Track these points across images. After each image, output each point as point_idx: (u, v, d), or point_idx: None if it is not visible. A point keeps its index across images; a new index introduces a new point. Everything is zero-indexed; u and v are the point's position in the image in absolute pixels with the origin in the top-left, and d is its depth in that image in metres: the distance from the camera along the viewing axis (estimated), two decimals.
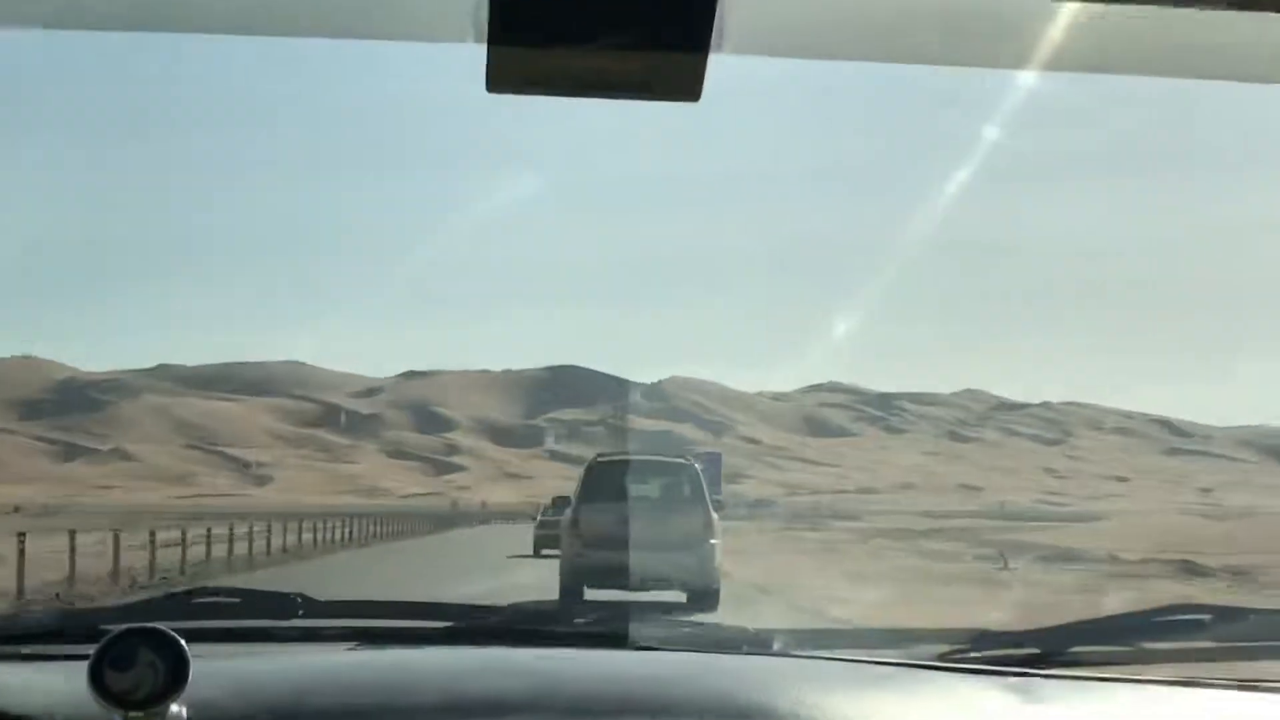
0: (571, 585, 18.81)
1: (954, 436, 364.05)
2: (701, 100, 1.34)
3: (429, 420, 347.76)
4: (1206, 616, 2.36)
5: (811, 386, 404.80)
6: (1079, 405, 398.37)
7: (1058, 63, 1.39)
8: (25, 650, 2.16)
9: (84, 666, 1.57)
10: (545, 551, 35.26)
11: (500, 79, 1.32)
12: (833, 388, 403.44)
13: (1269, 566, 30.93)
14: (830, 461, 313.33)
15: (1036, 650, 2.22)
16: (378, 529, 56.72)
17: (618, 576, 17.78)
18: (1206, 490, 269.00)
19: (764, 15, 1.37)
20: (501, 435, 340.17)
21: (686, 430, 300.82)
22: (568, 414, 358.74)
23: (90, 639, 1.67)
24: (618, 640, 2.25)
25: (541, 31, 1.29)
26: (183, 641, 1.58)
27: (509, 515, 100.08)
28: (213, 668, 1.82)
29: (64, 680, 1.69)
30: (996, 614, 17.15)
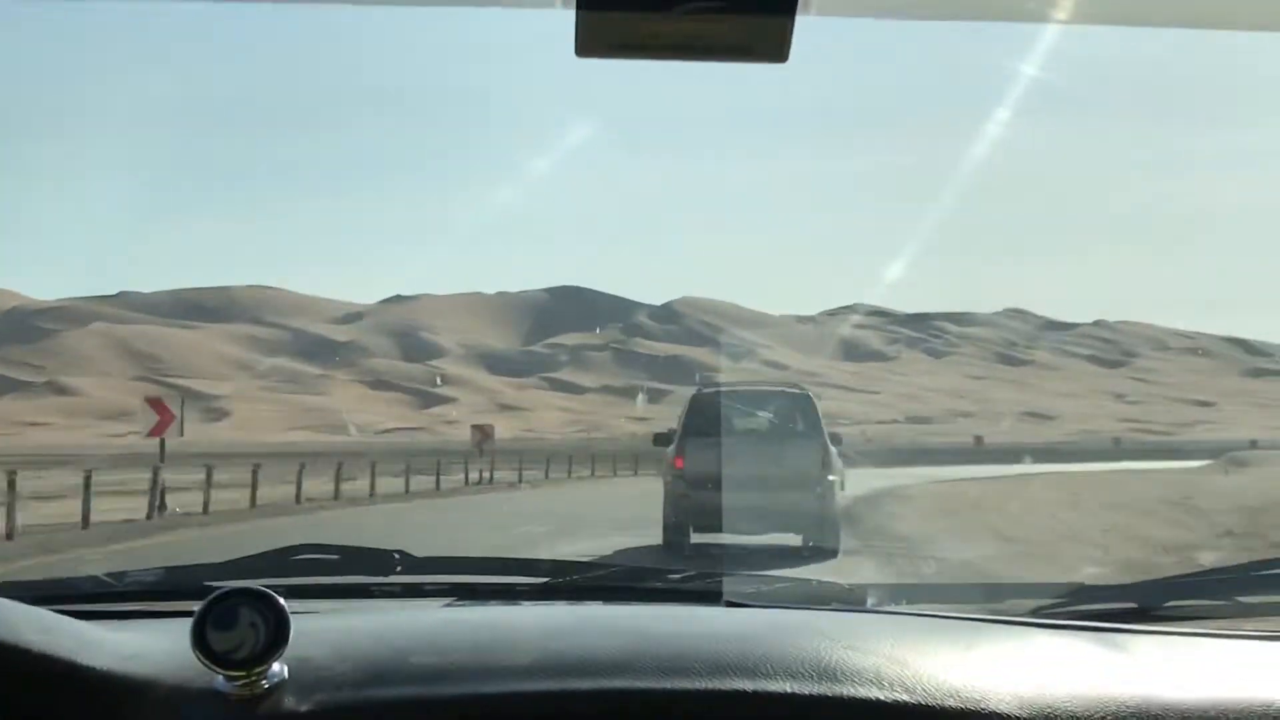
0: (677, 530, 17.57)
1: (1004, 359, 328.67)
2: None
3: (414, 347, 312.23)
4: None
5: (838, 308, 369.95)
6: (1137, 324, 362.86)
7: (1107, 14, 1.44)
8: (129, 608, 2.16)
9: (187, 626, 1.57)
10: None
11: (590, 44, 1.31)
12: (860, 309, 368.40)
13: None
14: (868, 388, 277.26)
15: (1132, 605, 2.20)
16: None
17: (726, 519, 17.11)
18: None
19: None
20: (495, 363, 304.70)
21: (702, 355, 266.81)
22: (569, 339, 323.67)
23: (193, 597, 1.67)
24: (711, 597, 2.24)
25: None
26: (284, 601, 1.58)
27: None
28: (312, 625, 1.82)
29: (168, 640, 1.69)
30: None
